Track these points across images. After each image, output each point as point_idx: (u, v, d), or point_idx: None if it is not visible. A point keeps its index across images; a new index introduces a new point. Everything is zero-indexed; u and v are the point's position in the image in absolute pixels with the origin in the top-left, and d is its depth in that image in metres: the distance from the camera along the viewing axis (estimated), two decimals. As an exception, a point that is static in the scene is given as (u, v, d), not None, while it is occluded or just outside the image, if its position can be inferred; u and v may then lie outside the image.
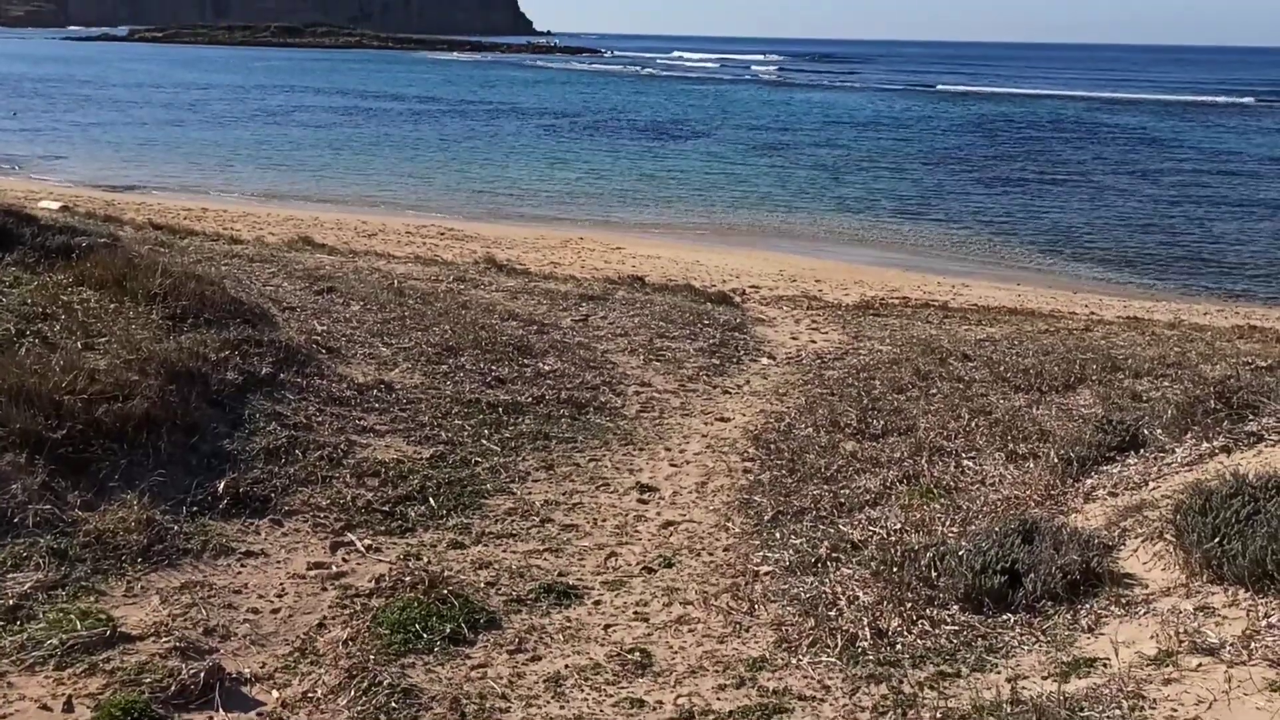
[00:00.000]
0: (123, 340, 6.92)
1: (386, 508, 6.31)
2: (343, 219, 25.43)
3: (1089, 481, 6.20)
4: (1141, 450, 6.40)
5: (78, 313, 7.25)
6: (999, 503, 6.25)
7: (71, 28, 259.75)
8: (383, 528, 6.09)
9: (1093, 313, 17.38)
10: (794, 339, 12.55)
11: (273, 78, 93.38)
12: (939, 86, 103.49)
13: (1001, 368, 9.97)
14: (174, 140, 44.29)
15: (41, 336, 6.77)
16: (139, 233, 13.67)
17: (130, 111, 56.56)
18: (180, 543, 5.49)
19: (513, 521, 6.38)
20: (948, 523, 5.98)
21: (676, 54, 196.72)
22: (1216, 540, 4.54)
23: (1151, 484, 5.82)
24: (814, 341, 12.42)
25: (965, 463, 7.16)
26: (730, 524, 6.57)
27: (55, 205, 19.38)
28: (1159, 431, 6.54)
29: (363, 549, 5.78)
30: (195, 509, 5.85)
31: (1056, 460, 6.57)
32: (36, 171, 33.44)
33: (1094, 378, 9.45)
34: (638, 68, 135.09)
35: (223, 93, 72.77)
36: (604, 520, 6.57)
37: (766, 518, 6.55)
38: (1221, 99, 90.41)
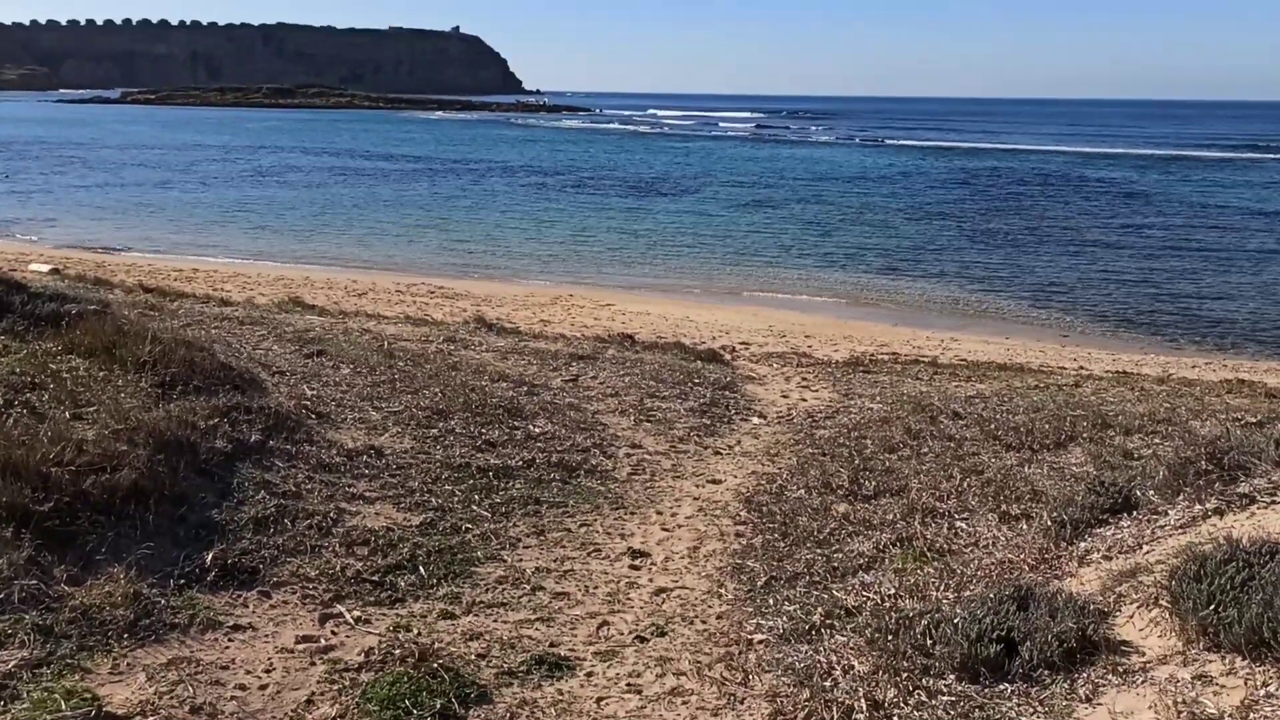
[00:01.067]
0: (111, 409, 6.89)
1: (376, 577, 6.23)
2: (333, 278, 25.55)
3: (1083, 544, 6.16)
4: (1134, 512, 6.37)
5: (66, 382, 7.22)
6: (993, 566, 6.20)
7: (63, 90, 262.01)
8: (372, 598, 6.01)
9: (1081, 367, 17.43)
10: (784, 397, 12.55)
11: (264, 138, 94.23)
12: (923, 142, 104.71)
13: (992, 425, 9.96)
14: (165, 201, 44.55)
15: (30, 407, 6.73)
16: (129, 296, 13.68)
17: (122, 173, 56.91)
18: (168, 617, 5.41)
19: (503, 590, 6.32)
20: (942, 587, 5.93)
21: (650, 111, 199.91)
22: (1212, 607, 4.51)
23: (1145, 547, 5.79)
24: (804, 399, 12.42)
25: (958, 524, 7.13)
26: (723, 590, 6.51)
27: (46, 268, 19.46)
28: (1151, 493, 6.52)
29: (352, 621, 5.71)
30: (183, 581, 5.77)
31: (1050, 522, 6.53)
32: (28, 233, 33.55)
33: (1085, 435, 9.45)
34: (620, 125, 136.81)
35: (214, 153, 73.37)
36: (596, 588, 6.51)
37: (760, 583, 6.49)
38: (1205, 153, 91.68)
